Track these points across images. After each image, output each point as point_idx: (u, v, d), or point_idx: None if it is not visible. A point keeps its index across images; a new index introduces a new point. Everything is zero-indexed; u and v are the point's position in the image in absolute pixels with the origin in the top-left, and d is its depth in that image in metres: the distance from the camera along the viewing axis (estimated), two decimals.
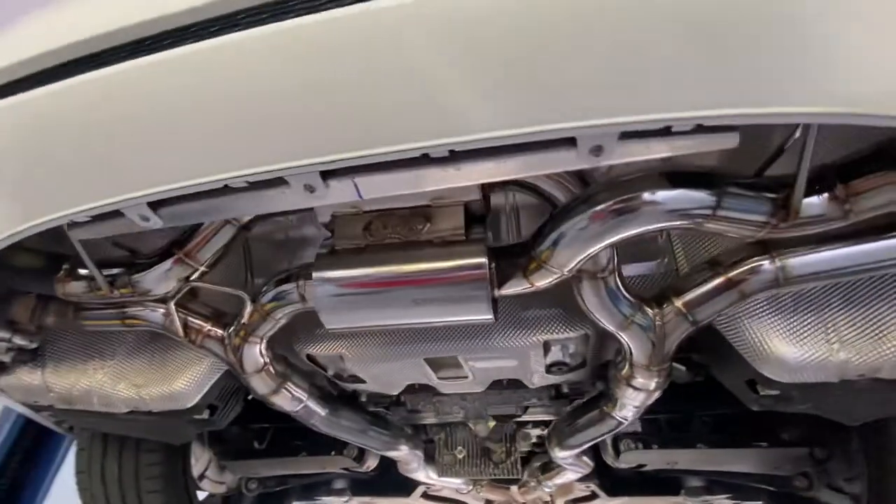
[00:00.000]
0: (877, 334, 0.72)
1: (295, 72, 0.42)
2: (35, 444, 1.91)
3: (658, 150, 0.44)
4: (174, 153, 0.48)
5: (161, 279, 0.79)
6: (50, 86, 0.44)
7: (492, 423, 1.37)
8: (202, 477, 1.61)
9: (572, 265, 0.63)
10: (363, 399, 1.23)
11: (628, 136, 0.43)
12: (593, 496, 1.81)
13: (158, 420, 1.04)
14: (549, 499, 2.11)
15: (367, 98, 0.42)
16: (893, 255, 0.60)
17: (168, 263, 0.78)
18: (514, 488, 1.99)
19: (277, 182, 0.50)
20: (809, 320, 0.75)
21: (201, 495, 1.66)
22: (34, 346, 0.93)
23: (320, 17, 0.40)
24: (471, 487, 1.84)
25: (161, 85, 0.44)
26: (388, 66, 0.41)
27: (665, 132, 0.42)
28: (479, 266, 0.63)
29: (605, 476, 1.71)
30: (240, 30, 0.42)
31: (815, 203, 0.55)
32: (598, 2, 0.36)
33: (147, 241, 0.86)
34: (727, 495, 1.61)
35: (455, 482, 1.71)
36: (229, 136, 0.46)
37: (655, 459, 1.26)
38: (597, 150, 0.45)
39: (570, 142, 0.45)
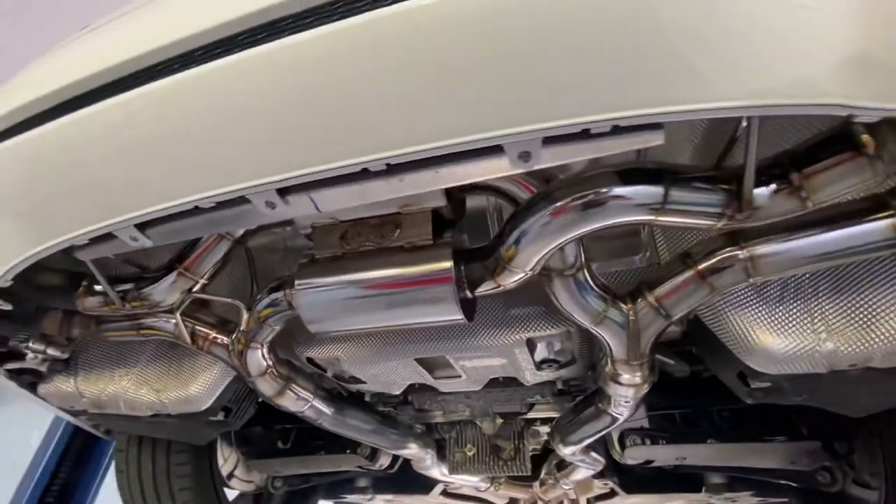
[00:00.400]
0: (865, 322, 0.69)
1: (245, 102, 0.47)
2: (84, 449, 2.08)
3: (584, 153, 0.46)
4: (150, 180, 0.53)
5: (167, 292, 0.87)
6: (39, 128, 0.51)
7: (499, 421, 1.39)
8: (231, 476, 1.71)
9: (533, 264, 0.65)
10: (369, 399, 1.28)
11: (551, 140, 0.45)
12: (612, 493, 1.78)
13: (178, 422, 1.13)
14: (573, 496, 2.10)
15: (307, 121, 0.46)
16: (864, 241, 0.58)
17: (172, 277, 0.85)
18: (536, 486, 1.99)
19: (241, 201, 0.54)
20: (795, 310, 0.73)
21: (231, 495, 1.77)
22: (66, 356, 1.03)
23: (262, 50, 0.44)
24: (488, 485, 1.86)
25: (132, 122, 0.49)
26: (322, 93, 0.44)
27: (585, 135, 0.44)
28: (444, 269, 0.66)
29: (623, 473, 1.69)
30: (195, 66, 0.47)
31: (766, 192, 0.55)
32: (502, 21, 0.38)
33: (155, 257, 0.94)
34: (750, 492, 1.55)
35: (470, 479, 1.73)
36: (193, 163, 0.51)
37: (663, 455, 1.24)
38: (525, 156, 0.47)
39: (499, 149, 0.47)
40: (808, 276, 0.73)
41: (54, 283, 0.86)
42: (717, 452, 1.23)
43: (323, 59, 0.43)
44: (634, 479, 1.71)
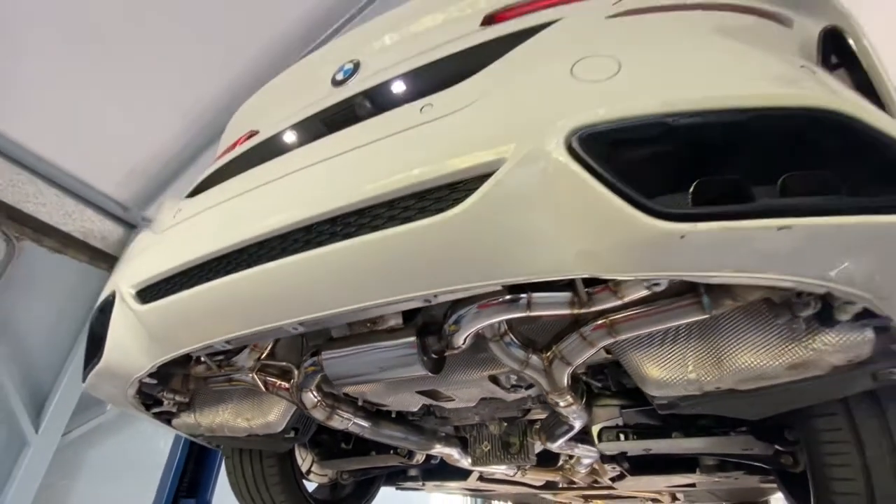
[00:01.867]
0: (716, 360, 0.94)
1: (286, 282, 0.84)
2: (202, 451, 2.69)
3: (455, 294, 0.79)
4: (245, 314, 0.93)
5: (245, 360, 1.29)
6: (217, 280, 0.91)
7: (504, 424, 1.72)
8: (309, 472, 2.19)
9: (468, 335, 0.97)
10: (395, 414, 1.67)
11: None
12: (622, 475, 2.06)
13: (264, 439, 1.58)
14: (598, 477, 2.39)
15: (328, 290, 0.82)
16: (688, 316, 0.84)
17: (246, 351, 1.27)
18: (562, 469, 2.30)
19: (277, 330, 0.93)
20: (672, 351, 1.00)
21: (311, 486, 2.26)
22: (187, 401, 1.51)
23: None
24: (515, 471, 2.20)
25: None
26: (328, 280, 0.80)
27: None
28: (409, 343, 1.01)
29: (628, 458, 1.97)
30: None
31: (601, 294, 0.83)
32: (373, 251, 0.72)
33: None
34: (739, 472, 1.76)
35: (497, 468, 2.08)
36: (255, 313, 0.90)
37: (631, 447, 1.51)
38: (429, 298, 0.80)
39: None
40: (682, 327, 0.99)
41: (178, 361, 1.31)
42: (680, 444, 1.48)
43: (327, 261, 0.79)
44: (639, 462, 1.98)
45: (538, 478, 2.50)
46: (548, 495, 3.24)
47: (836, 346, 0.83)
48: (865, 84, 0.82)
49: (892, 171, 0.60)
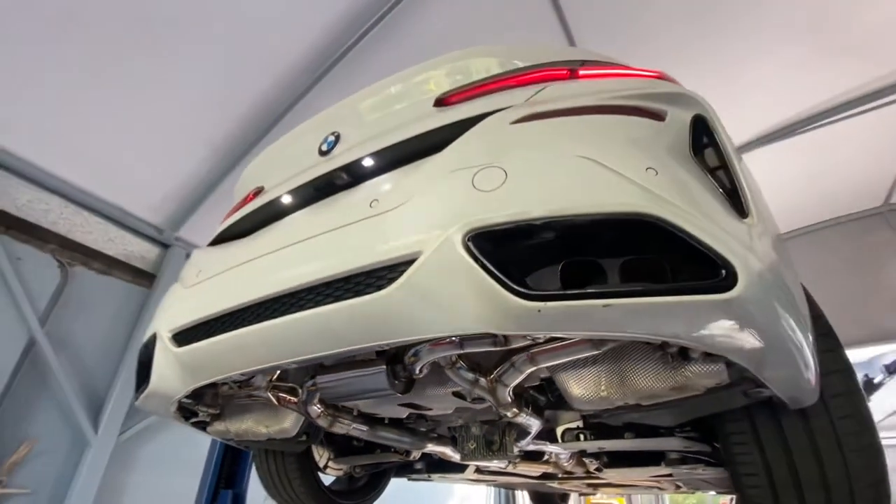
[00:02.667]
0: (620, 381, 1.18)
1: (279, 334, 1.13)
2: (237, 452, 3.08)
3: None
4: (252, 356, 1.22)
5: (260, 381, 1.60)
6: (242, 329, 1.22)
7: (485, 426, 1.98)
8: (326, 466, 2.53)
9: (423, 364, 1.23)
10: (389, 420, 1.95)
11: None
12: (600, 469, 2.29)
13: (282, 442, 1.90)
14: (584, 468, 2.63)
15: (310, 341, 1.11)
16: (585, 351, 1.07)
17: (260, 374, 1.58)
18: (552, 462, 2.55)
19: (277, 366, 1.22)
20: (588, 373, 1.23)
21: (329, 480, 2.59)
22: (218, 412, 1.84)
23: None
24: (507, 464, 2.47)
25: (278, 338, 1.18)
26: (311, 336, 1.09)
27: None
28: (381, 370, 1.27)
29: (606, 453, 2.20)
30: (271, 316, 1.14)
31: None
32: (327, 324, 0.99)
33: None
34: (700, 465, 1.97)
35: (486, 463, 2.35)
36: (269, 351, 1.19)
37: (589, 447, 1.75)
38: (383, 346, 1.07)
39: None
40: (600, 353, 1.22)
41: (207, 385, 1.63)
42: (632, 443, 1.71)
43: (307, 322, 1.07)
44: (614, 456, 2.22)
45: (532, 469, 2.76)
46: (554, 484, 3.50)
47: (702, 374, 1.05)
48: (721, 161, 1.04)
49: (693, 258, 0.82)
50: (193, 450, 3.99)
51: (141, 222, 4.43)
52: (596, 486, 3.75)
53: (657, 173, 0.91)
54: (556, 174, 0.90)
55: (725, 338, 0.87)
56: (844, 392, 1.23)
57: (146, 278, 4.52)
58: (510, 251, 0.89)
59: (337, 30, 3.76)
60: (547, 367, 1.23)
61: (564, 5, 3.89)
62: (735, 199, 0.98)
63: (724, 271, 0.79)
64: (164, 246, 4.67)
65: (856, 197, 6.30)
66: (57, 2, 3.11)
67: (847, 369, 1.26)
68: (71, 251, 3.97)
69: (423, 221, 0.96)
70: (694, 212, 0.86)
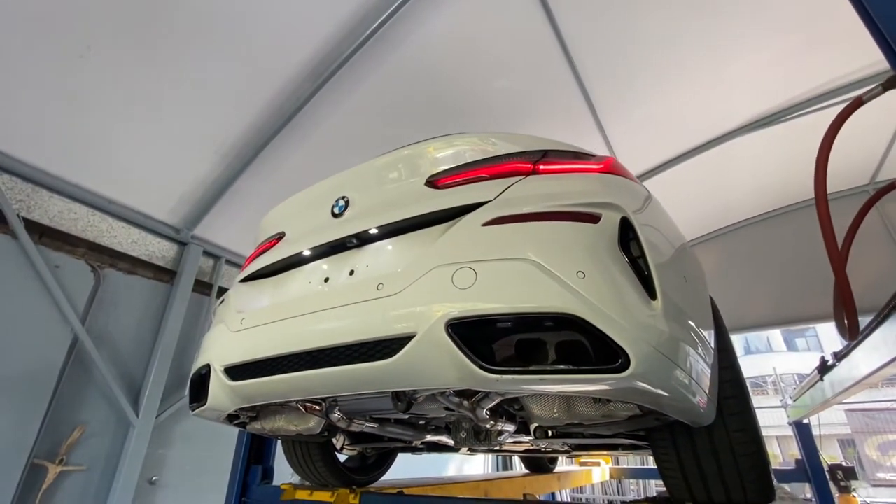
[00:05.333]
0: (567, 407, 1.57)
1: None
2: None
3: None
4: (286, 393, 1.62)
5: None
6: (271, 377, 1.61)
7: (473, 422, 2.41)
8: (342, 448, 3.00)
9: (417, 397, 1.63)
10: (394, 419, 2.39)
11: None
12: (570, 451, 2.77)
13: (308, 436, 2.34)
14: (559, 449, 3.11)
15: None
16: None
17: None
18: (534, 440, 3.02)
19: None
20: (546, 400, 1.62)
21: (343, 458, 3.07)
22: (255, 415, 2.26)
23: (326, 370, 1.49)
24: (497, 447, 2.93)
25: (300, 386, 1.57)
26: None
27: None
28: (388, 395, 1.67)
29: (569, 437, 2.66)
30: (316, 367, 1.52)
31: None
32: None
33: None
34: (648, 453, 2.42)
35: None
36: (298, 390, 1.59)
37: (556, 442, 2.19)
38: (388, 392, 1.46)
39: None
40: None
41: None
42: (590, 439, 2.14)
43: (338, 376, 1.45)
44: (579, 445, 2.67)
45: (517, 448, 3.25)
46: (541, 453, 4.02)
47: (620, 408, 1.44)
48: (640, 252, 1.38)
49: (600, 347, 1.19)
50: (222, 426, 4.52)
51: (160, 224, 4.77)
52: (581, 450, 4.30)
53: (584, 276, 1.26)
54: (511, 278, 1.25)
55: (628, 393, 1.25)
56: (738, 412, 1.63)
57: (167, 274, 4.91)
58: (479, 333, 1.25)
59: (337, 38, 3.95)
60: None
61: None
62: (648, 284, 1.33)
63: (620, 359, 1.15)
64: (182, 244, 5.04)
65: (839, 178, 6.57)
66: (74, 25, 3.32)
67: (742, 394, 1.65)
68: (99, 254, 4.34)
69: (417, 309, 1.32)
70: (606, 310, 1.21)
